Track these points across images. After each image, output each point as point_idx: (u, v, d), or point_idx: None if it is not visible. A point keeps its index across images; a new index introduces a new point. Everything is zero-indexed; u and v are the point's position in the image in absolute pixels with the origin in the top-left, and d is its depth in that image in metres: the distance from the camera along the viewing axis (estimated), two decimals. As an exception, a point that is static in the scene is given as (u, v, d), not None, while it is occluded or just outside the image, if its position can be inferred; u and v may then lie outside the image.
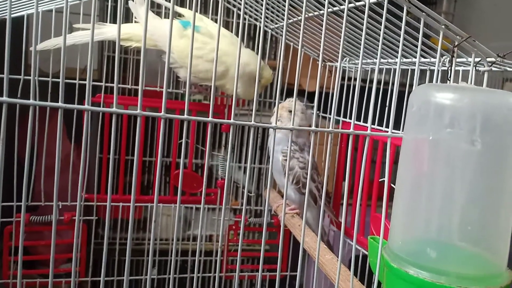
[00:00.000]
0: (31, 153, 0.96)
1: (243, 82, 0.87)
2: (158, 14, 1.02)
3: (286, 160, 0.89)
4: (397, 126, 0.58)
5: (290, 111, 0.90)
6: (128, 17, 1.07)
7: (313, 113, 0.58)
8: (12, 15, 0.78)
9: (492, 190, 0.46)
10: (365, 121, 0.86)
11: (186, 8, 0.99)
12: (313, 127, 0.54)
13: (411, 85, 0.63)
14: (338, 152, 1.02)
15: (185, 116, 0.48)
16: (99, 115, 1.00)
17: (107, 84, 1.00)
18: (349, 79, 1.01)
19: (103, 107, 0.92)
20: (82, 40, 0.86)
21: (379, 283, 0.56)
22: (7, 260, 0.95)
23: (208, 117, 0.50)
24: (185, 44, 0.86)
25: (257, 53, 0.54)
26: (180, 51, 0.86)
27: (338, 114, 0.99)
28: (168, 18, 0.93)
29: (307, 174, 0.89)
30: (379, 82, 0.83)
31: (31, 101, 0.44)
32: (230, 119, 0.51)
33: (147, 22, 0.47)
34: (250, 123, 0.51)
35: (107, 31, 0.88)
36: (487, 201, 0.46)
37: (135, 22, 0.95)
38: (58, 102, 0.46)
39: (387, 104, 0.77)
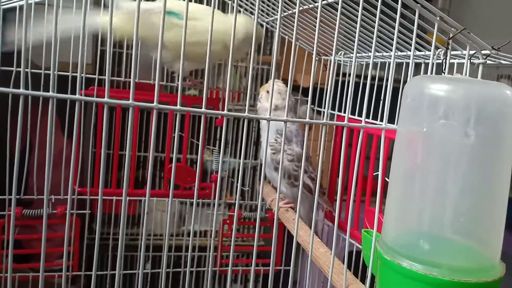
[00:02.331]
0: (24, 145, 0.96)
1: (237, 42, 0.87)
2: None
3: (274, 153, 0.88)
4: (391, 122, 0.57)
5: (268, 92, 0.90)
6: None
7: (307, 107, 0.58)
8: (4, 7, 0.77)
9: (486, 182, 0.46)
10: (360, 115, 0.86)
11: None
12: (307, 119, 0.53)
13: (405, 82, 0.63)
14: (333, 147, 1.02)
15: (178, 107, 0.48)
16: (93, 110, 1.00)
17: (100, 77, 0.99)
18: (344, 74, 1.00)
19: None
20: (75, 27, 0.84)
21: (373, 276, 0.56)
22: (0, 254, 0.94)
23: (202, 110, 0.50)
24: (176, 33, 0.84)
25: (254, 48, 0.53)
26: (174, 43, 0.85)
27: (333, 108, 0.99)
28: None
29: (296, 167, 0.88)
30: (373, 78, 0.83)
31: (22, 90, 0.44)
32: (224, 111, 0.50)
33: (139, 13, 0.47)
34: (244, 114, 0.50)
35: (101, 22, 0.86)
36: (481, 193, 0.46)
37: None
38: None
39: (382, 98, 0.77)
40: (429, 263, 0.45)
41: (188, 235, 1.28)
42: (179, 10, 0.85)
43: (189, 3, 0.91)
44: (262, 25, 1.06)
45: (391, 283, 0.48)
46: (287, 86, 0.91)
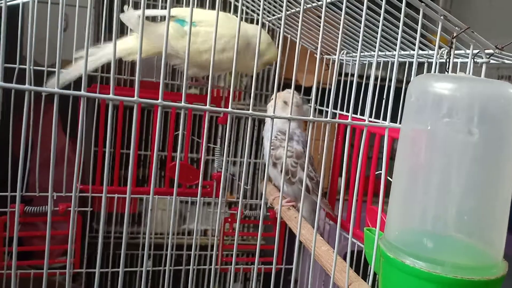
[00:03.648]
0: (25, 144, 0.96)
1: (249, 55, 0.87)
2: (147, 18, 1.00)
3: (273, 149, 0.89)
4: (394, 122, 0.57)
5: (285, 102, 0.90)
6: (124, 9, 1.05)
7: (310, 106, 0.58)
8: (7, 3, 0.77)
9: (489, 180, 0.46)
10: (362, 115, 0.86)
11: (182, 5, 0.99)
12: (310, 117, 0.53)
13: (408, 82, 0.63)
14: (335, 147, 1.02)
15: (182, 104, 0.48)
16: (95, 109, 1.00)
17: (102, 75, 0.99)
18: (346, 74, 1.01)
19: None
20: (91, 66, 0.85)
21: (375, 275, 0.56)
22: (1, 251, 0.94)
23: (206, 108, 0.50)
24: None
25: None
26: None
27: (336, 107, 0.99)
28: (162, 21, 0.93)
29: (295, 163, 0.89)
30: (376, 79, 0.83)
31: (27, 86, 0.44)
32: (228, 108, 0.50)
33: (144, 11, 0.47)
34: (247, 111, 0.51)
35: (108, 52, 0.85)
36: (484, 191, 0.46)
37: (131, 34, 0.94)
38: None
39: (385, 97, 0.77)
40: (432, 261, 0.45)
41: (189, 234, 1.28)
42: (194, 19, 0.85)
43: (206, 11, 0.92)
44: (264, 24, 1.06)
45: (394, 281, 0.48)
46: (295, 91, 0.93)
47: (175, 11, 0.88)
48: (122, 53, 0.85)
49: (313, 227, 0.72)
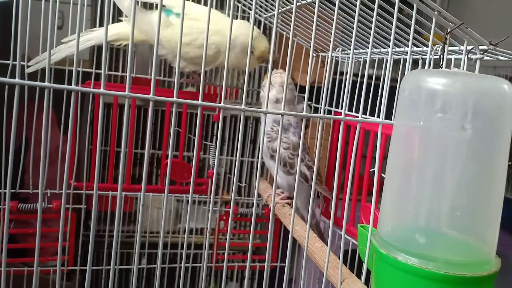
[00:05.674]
0: (20, 141, 0.96)
1: (235, 54, 0.86)
2: (143, 6, 1.00)
3: (269, 141, 0.89)
4: (388, 120, 0.57)
5: (271, 83, 0.89)
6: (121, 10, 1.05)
7: (304, 104, 0.58)
8: (1, -1, 0.77)
9: (482, 176, 0.46)
10: (357, 112, 0.86)
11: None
12: (304, 113, 0.53)
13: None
14: (330, 144, 1.02)
15: (174, 98, 0.47)
16: (90, 106, 0.99)
17: (97, 71, 0.99)
18: (341, 73, 1.00)
19: (92, 94, 0.91)
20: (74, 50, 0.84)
21: (368, 272, 0.55)
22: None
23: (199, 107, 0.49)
24: (172, 32, 0.84)
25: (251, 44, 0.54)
26: (168, 41, 0.85)
27: (330, 105, 0.99)
28: (153, 9, 0.92)
29: (292, 155, 0.88)
30: (370, 77, 0.83)
31: (17, 80, 0.43)
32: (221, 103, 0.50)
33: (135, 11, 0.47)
34: (240, 107, 0.50)
35: (96, 35, 0.85)
36: (477, 187, 0.46)
37: (123, 20, 0.93)
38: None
39: (379, 93, 0.77)
40: (425, 257, 0.45)
41: (185, 232, 1.28)
42: (180, 10, 0.84)
43: (192, 3, 0.91)
44: (260, 21, 1.06)
45: (386, 277, 0.48)
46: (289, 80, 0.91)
47: (168, 2, 0.87)
48: (111, 38, 0.85)
49: (307, 223, 0.72)
